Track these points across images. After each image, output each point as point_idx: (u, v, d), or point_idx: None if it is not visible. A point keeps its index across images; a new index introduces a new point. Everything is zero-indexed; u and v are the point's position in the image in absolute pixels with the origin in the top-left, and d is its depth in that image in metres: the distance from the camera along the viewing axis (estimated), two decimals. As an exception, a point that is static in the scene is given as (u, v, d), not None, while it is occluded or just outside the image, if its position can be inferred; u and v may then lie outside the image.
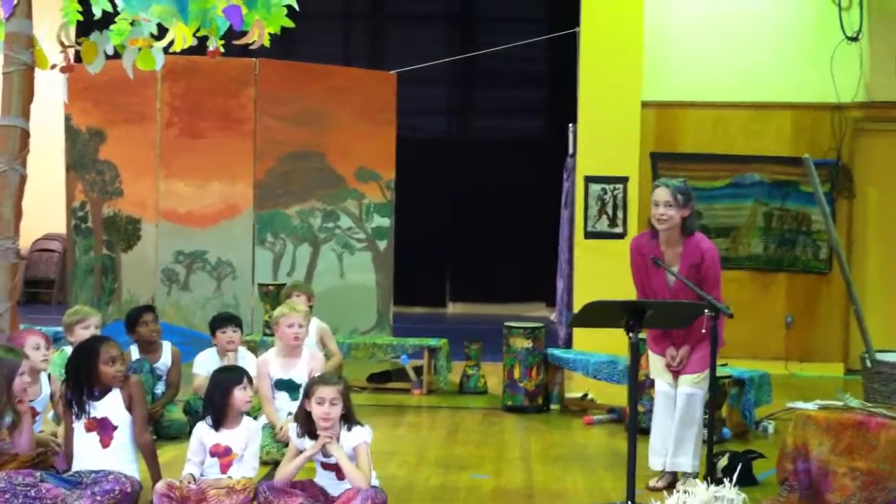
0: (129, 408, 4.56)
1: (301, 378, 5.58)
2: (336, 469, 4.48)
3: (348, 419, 4.49)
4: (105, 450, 4.52)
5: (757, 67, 9.45)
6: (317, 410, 4.43)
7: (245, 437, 4.61)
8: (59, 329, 6.37)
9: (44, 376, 5.24)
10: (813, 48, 9.38)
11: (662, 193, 5.12)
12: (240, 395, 4.59)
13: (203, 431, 4.60)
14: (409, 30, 14.05)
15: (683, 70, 9.52)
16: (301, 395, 4.67)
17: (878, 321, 7.72)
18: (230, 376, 4.68)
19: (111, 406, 4.55)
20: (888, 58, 9.26)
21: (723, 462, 5.13)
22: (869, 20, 9.33)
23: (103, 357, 4.55)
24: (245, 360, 6.43)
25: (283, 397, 5.72)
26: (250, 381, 4.69)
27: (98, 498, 4.30)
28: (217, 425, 4.59)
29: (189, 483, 4.47)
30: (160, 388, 6.30)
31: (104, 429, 4.53)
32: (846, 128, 9.36)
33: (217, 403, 4.59)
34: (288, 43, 11.56)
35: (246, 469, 4.58)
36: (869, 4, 9.34)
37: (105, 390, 4.57)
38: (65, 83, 6.01)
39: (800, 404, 4.84)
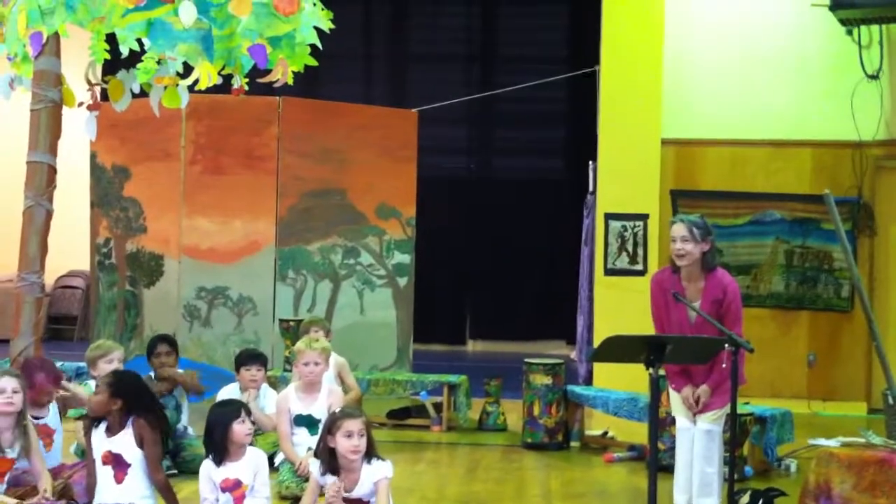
0: (141, 445, 4.56)
1: (320, 413, 5.59)
2: (356, 504, 4.48)
3: (370, 454, 4.49)
4: (118, 485, 4.54)
5: (777, 105, 9.48)
6: (345, 444, 4.42)
7: (252, 467, 4.60)
8: (82, 364, 6.42)
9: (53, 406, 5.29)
10: (833, 86, 9.40)
11: (679, 229, 5.15)
12: (239, 429, 4.58)
13: (209, 468, 4.60)
14: (429, 69, 14.17)
15: (703, 108, 9.55)
16: (322, 431, 4.66)
17: (900, 359, 7.66)
18: (228, 411, 4.65)
19: (124, 443, 4.56)
20: (909, 96, 9.29)
21: (744, 499, 5.09)
22: (889, 58, 9.35)
23: (98, 386, 4.59)
24: (267, 396, 6.45)
25: (302, 433, 5.72)
26: (248, 413, 4.67)
27: (118, 531, 4.32)
28: (220, 461, 4.58)
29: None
30: (183, 421, 6.34)
31: (118, 465, 4.55)
32: (867, 166, 9.35)
33: (217, 439, 4.58)
34: (310, 82, 11.68)
35: (259, 499, 4.58)
36: (889, 42, 9.37)
37: (120, 425, 4.58)
38: (94, 120, 6.10)
39: (822, 441, 4.81)
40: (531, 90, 11.82)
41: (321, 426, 4.96)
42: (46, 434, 5.16)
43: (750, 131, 9.50)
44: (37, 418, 5.19)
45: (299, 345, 5.85)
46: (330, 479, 4.49)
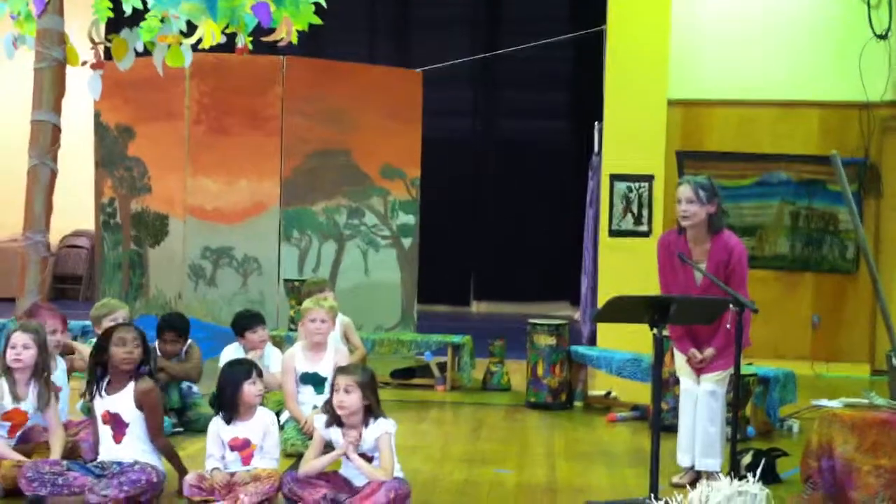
0: (140, 408, 4.57)
1: (326, 372, 5.61)
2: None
3: (372, 412, 4.50)
4: (117, 445, 4.55)
5: (784, 66, 9.42)
6: (333, 398, 4.48)
7: (262, 427, 4.62)
8: (88, 323, 6.44)
9: (59, 359, 5.32)
10: (841, 46, 9.33)
11: (684, 190, 5.12)
12: (249, 389, 4.60)
13: (218, 426, 4.62)
14: (433, 30, 14.07)
15: (710, 68, 9.49)
16: (329, 388, 4.70)
17: (905, 321, 7.66)
18: (238, 371, 4.67)
19: (122, 403, 4.56)
20: (918, 56, 9.21)
21: (746, 459, 5.11)
22: (898, 18, 9.28)
23: (114, 339, 4.56)
24: (272, 355, 6.47)
25: (308, 391, 5.75)
26: (259, 374, 4.69)
27: (125, 488, 4.35)
28: (230, 419, 4.61)
29: (215, 470, 4.51)
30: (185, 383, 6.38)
31: (117, 424, 4.56)
32: (874, 127, 9.30)
33: (228, 398, 4.61)
34: (314, 42, 11.60)
35: (268, 460, 4.61)
36: (898, 2, 9.29)
37: (121, 384, 4.58)
38: (98, 80, 6.08)
39: (825, 402, 4.82)
40: (536, 51, 11.74)
41: (328, 384, 4.99)
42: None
43: (757, 92, 9.44)
44: None
45: (307, 303, 5.86)
46: (334, 432, 4.52)
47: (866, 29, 9.23)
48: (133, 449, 4.54)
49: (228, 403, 4.60)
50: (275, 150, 9.35)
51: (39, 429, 4.84)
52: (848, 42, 9.27)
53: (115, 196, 9.82)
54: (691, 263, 5.07)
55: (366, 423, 4.49)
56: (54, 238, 8.80)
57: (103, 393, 4.58)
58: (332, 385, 4.54)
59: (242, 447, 4.59)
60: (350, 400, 4.44)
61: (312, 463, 4.52)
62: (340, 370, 4.59)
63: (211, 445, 4.61)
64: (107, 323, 5.83)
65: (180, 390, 6.25)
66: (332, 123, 9.57)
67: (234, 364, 4.85)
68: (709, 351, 5.11)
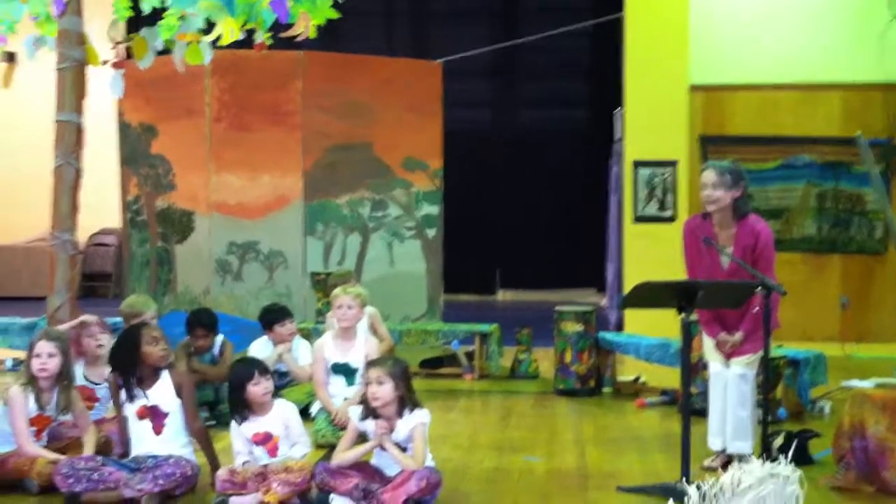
0: (179, 394, 4.62)
1: (357, 362, 5.64)
2: (393, 450, 4.52)
3: (407, 402, 4.51)
4: (158, 436, 4.60)
5: (805, 48, 9.37)
6: (367, 391, 4.49)
7: (281, 419, 4.63)
8: (118, 319, 6.50)
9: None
10: (861, 28, 9.28)
11: (709, 175, 5.10)
12: (254, 389, 4.59)
13: (238, 425, 4.65)
14: (451, 22, 14.06)
15: (730, 53, 9.45)
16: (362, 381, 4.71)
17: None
18: (241, 372, 4.66)
19: (161, 393, 4.62)
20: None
21: (778, 441, 5.09)
22: (919, -3, 9.20)
23: (146, 338, 4.60)
24: (300, 348, 6.50)
25: (339, 382, 5.76)
26: (263, 371, 4.68)
27: (160, 481, 4.38)
28: (245, 418, 4.62)
29: (247, 464, 4.54)
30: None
31: (156, 416, 4.60)
32: (898, 107, 9.24)
33: (236, 399, 4.64)
34: (332, 36, 11.61)
35: (299, 447, 4.63)
36: (918, -19, 9.21)
37: (154, 377, 4.63)
38: (120, 79, 6.12)
39: (855, 383, 4.80)
40: (555, 41, 11.72)
41: (359, 375, 5.00)
42: (93, 399, 5.26)
43: (778, 75, 9.40)
44: (95, 384, 5.30)
45: (336, 290, 5.90)
46: (370, 425, 4.53)
47: (885, 10, 9.16)
48: (172, 440, 4.59)
49: (239, 404, 4.62)
50: (296, 144, 9.38)
51: (69, 424, 4.89)
52: (868, 23, 9.22)
53: (140, 194, 9.89)
54: (718, 248, 5.05)
55: (400, 414, 4.50)
56: (82, 236, 8.83)
57: (135, 391, 4.62)
58: (365, 378, 4.56)
59: (265, 441, 4.61)
60: (382, 391, 4.45)
61: (346, 454, 4.54)
62: (371, 363, 4.61)
63: (236, 443, 4.64)
64: (135, 321, 5.87)
65: (213, 383, 6.28)
66: (352, 117, 9.58)
67: (237, 365, 4.85)
68: (738, 335, 5.10)
